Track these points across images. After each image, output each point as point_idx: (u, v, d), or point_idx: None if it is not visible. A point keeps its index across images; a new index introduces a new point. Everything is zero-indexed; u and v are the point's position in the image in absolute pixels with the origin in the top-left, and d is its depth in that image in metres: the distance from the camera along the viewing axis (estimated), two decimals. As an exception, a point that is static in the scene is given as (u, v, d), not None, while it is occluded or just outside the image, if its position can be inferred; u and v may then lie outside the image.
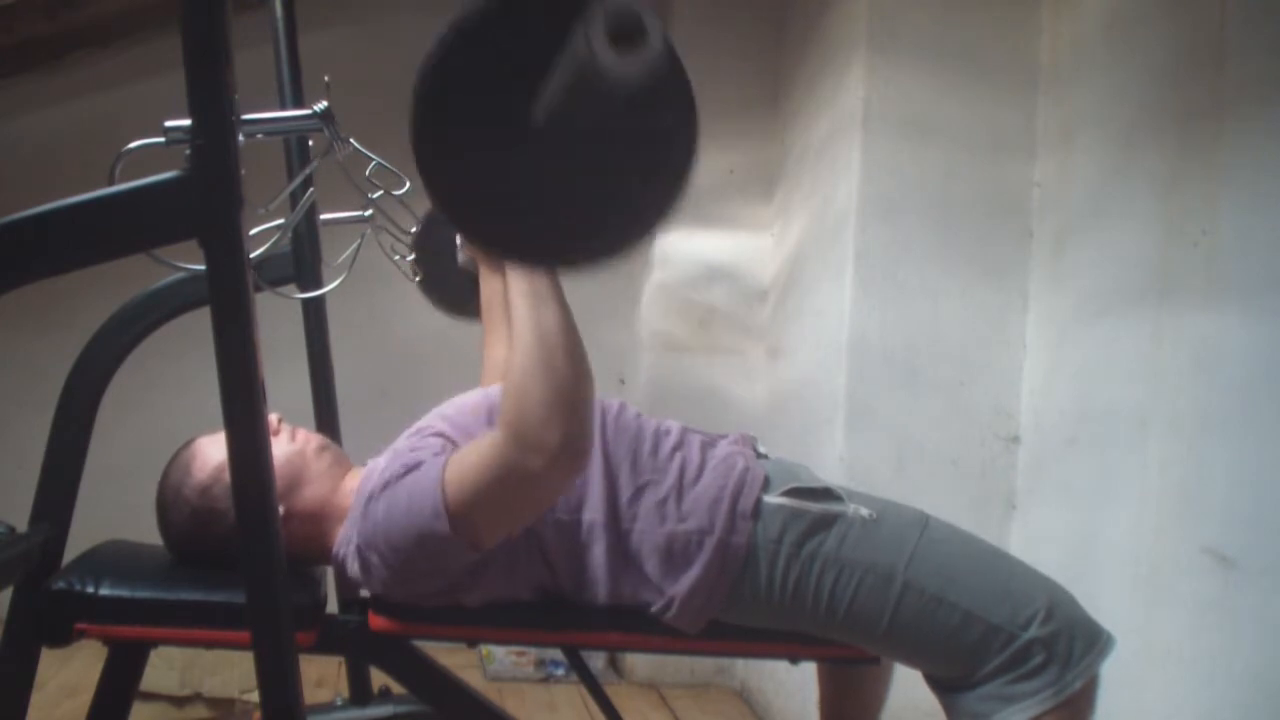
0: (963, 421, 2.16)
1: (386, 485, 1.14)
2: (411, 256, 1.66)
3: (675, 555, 1.18)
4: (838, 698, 1.46)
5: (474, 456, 1.08)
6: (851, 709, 1.46)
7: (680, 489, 1.21)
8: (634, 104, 0.70)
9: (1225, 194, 1.57)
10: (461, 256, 1.55)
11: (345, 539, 1.20)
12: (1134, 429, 1.74)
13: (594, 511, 1.18)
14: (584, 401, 1.04)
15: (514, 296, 1.06)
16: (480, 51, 0.74)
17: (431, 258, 1.65)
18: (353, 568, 1.19)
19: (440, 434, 1.22)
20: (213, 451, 1.25)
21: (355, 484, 1.25)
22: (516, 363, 1.04)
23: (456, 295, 1.67)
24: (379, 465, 1.23)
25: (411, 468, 1.13)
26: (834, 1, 2.43)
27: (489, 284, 1.50)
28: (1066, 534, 1.94)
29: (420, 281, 1.69)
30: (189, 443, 1.29)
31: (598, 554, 1.18)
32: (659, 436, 1.26)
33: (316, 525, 1.24)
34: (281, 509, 1.19)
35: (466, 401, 1.30)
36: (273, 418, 1.27)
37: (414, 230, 1.66)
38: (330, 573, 1.37)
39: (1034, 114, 2.17)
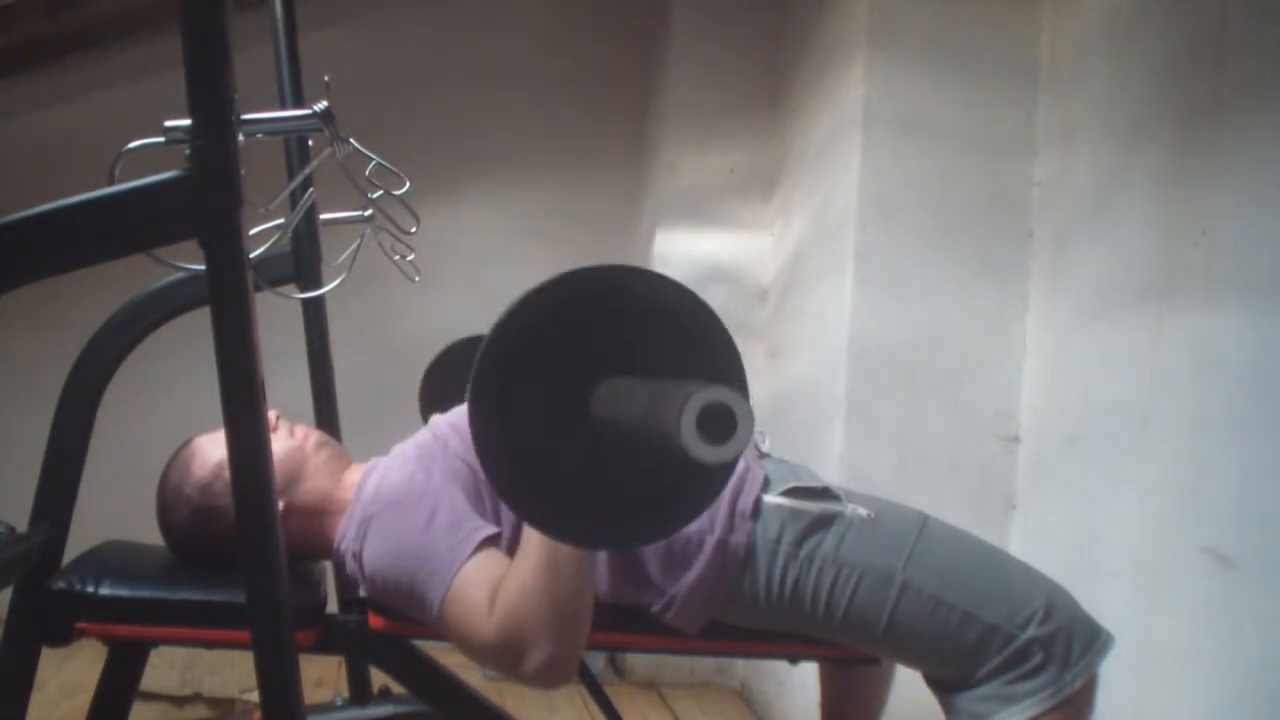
0: (963, 421, 2.16)
1: (400, 521, 1.14)
2: (411, 257, 1.66)
3: (675, 555, 1.18)
4: (838, 698, 1.46)
5: (471, 609, 1.07)
6: (852, 709, 1.46)
7: None
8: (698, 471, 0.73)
9: (1225, 194, 1.57)
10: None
11: (346, 537, 1.20)
12: (1134, 429, 1.73)
13: None
14: (582, 621, 1.06)
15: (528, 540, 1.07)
16: (566, 328, 0.78)
17: (438, 393, 1.68)
18: (352, 569, 1.19)
19: (457, 456, 1.22)
20: (212, 450, 1.25)
21: (356, 479, 1.25)
22: (525, 570, 1.04)
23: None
24: (383, 466, 1.23)
25: (425, 527, 1.13)
26: (834, 1, 2.43)
27: None
28: (1066, 534, 1.94)
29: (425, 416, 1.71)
30: (188, 441, 1.29)
31: (599, 553, 1.18)
32: None
33: (317, 521, 1.24)
34: (281, 504, 1.20)
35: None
36: (270, 414, 1.27)
37: (427, 371, 1.69)
38: (330, 572, 1.37)
39: (1034, 114, 2.17)
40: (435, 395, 1.77)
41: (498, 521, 1.17)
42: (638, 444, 0.75)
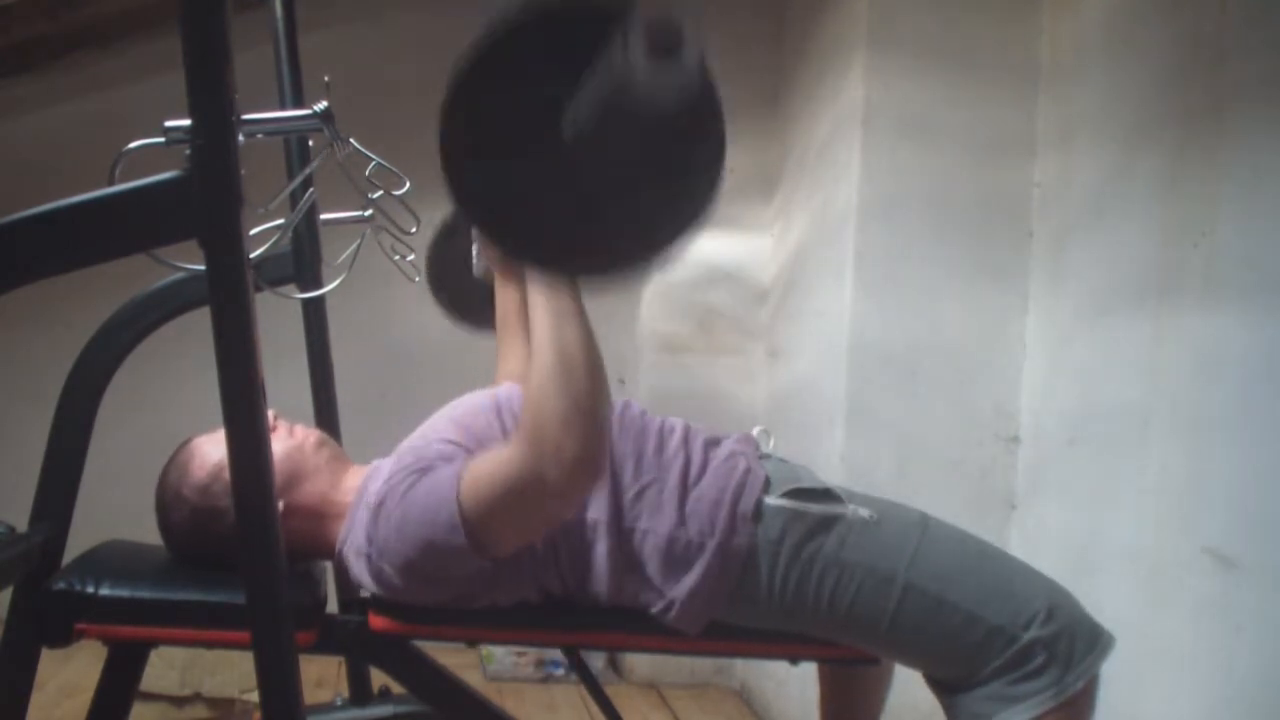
0: (963, 422, 2.16)
1: (400, 495, 1.14)
2: (411, 257, 1.66)
3: (676, 557, 1.18)
4: (838, 698, 1.46)
5: (489, 468, 1.08)
6: (852, 709, 1.46)
7: (683, 489, 1.21)
8: (665, 118, 0.70)
9: (1225, 194, 1.57)
10: (477, 267, 1.55)
11: (349, 540, 1.20)
12: (1134, 429, 1.73)
13: (598, 510, 1.18)
14: (601, 416, 1.05)
15: (535, 310, 1.08)
16: (515, 59, 0.74)
17: (446, 269, 1.66)
18: (359, 571, 1.18)
19: (449, 440, 1.21)
20: (211, 450, 1.25)
21: (356, 482, 1.25)
22: (536, 375, 1.05)
23: (471, 307, 1.67)
24: (384, 467, 1.23)
25: (423, 473, 1.13)
26: (834, 1, 2.43)
27: (504, 296, 1.50)
28: (1067, 534, 1.94)
29: (434, 292, 1.69)
30: (186, 442, 1.29)
31: (600, 554, 1.18)
32: (663, 435, 1.26)
33: (316, 521, 1.24)
34: (280, 505, 1.20)
35: (474, 402, 1.30)
36: (268, 414, 1.27)
37: (431, 241, 1.66)
38: (330, 572, 1.37)
39: (1034, 114, 2.17)
40: (441, 268, 1.74)
41: None
42: (605, 124, 0.72)
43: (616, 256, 0.81)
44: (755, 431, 1.37)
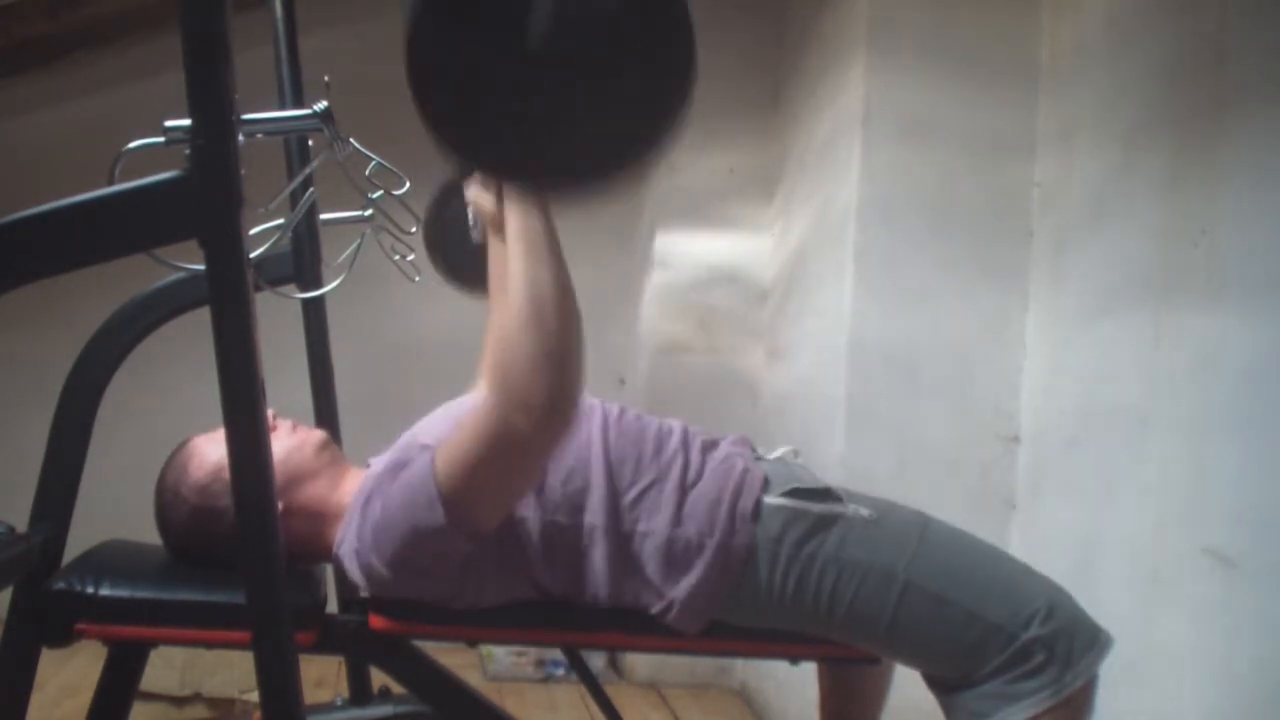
0: (963, 421, 2.16)
1: (379, 488, 1.14)
2: (411, 257, 1.66)
3: (675, 558, 1.18)
4: (838, 698, 1.46)
5: (459, 433, 1.08)
6: (851, 709, 1.46)
7: (681, 490, 1.21)
8: (629, 16, 0.70)
9: (1225, 194, 1.57)
10: (473, 227, 1.54)
11: (345, 540, 1.20)
12: (1134, 429, 1.73)
13: (595, 515, 1.18)
14: (572, 358, 1.02)
15: (511, 249, 1.04)
16: None
17: (443, 231, 1.64)
18: (352, 570, 1.19)
19: (440, 434, 1.21)
20: (210, 450, 1.25)
21: (355, 484, 1.25)
22: (507, 316, 1.02)
23: (468, 271, 1.65)
24: (376, 468, 1.23)
25: (401, 466, 1.13)
26: (834, 1, 2.43)
27: (496, 254, 1.49)
28: (1067, 534, 1.94)
29: (430, 254, 1.67)
30: (185, 442, 1.29)
31: (598, 558, 1.18)
32: (661, 438, 1.26)
33: (316, 522, 1.24)
34: (281, 505, 1.20)
35: (463, 405, 1.30)
36: (268, 413, 1.27)
37: (429, 204, 1.65)
38: (330, 572, 1.37)
39: (1034, 114, 2.17)
40: (438, 230, 1.73)
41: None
42: (575, 48, 0.72)
43: (588, 163, 0.79)
44: (783, 451, 1.36)
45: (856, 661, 1.30)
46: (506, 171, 0.83)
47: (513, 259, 1.04)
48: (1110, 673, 1.15)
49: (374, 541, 1.13)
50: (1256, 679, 1.45)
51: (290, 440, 1.27)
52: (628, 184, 0.79)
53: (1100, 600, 1.24)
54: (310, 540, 1.24)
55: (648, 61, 0.76)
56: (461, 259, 1.63)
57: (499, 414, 1.02)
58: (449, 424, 1.23)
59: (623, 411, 1.29)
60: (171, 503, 1.24)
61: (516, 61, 0.74)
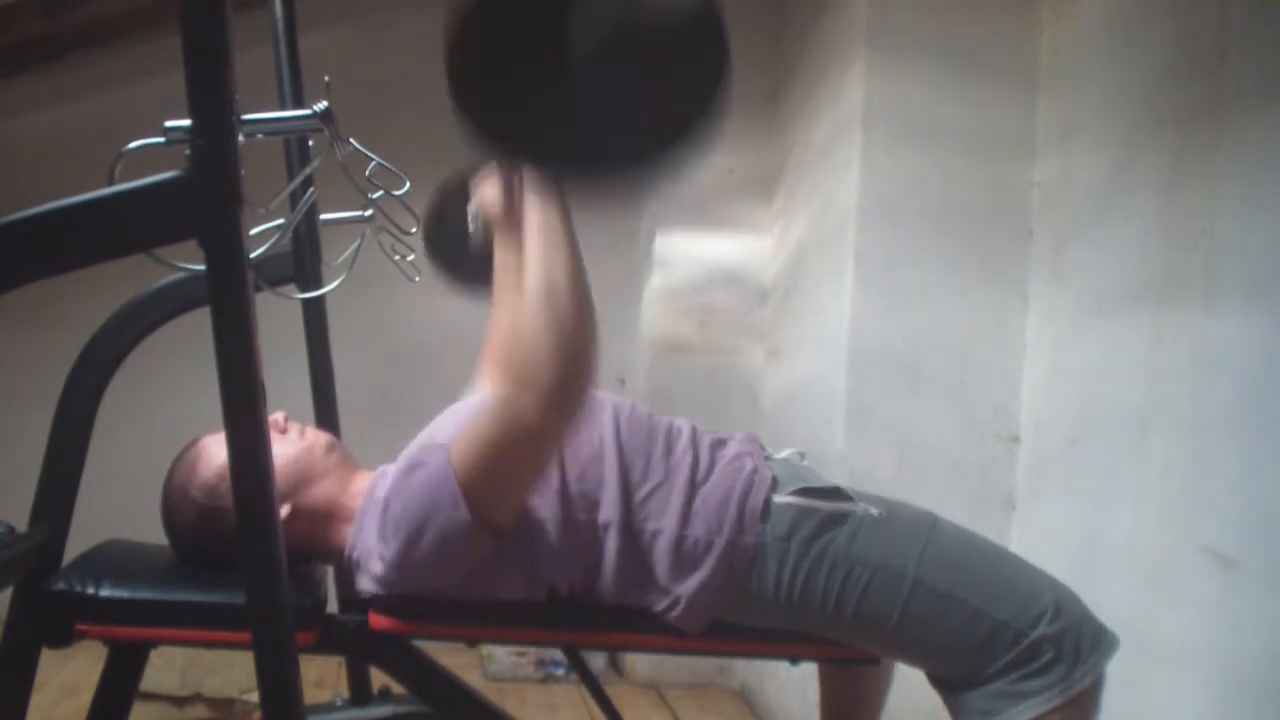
0: (963, 421, 2.16)
1: (401, 491, 1.14)
2: (411, 257, 1.66)
3: (684, 556, 1.18)
4: (838, 698, 1.46)
5: (472, 428, 1.08)
6: (852, 709, 1.46)
7: (691, 489, 1.21)
8: (668, 30, 0.71)
9: (1225, 194, 1.57)
10: (473, 228, 1.53)
11: (358, 543, 1.20)
12: (1134, 429, 1.73)
13: (609, 512, 1.18)
14: (585, 345, 1.03)
15: (528, 240, 1.05)
16: None
17: (444, 231, 1.64)
18: (373, 573, 1.17)
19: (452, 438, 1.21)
20: (218, 450, 1.25)
21: (364, 486, 1.25)
22: (521, 304, 1.03)
23: (467, 271, 1.65)
24: (391, 471, 1.23)
25: (416, 467, 1.13)
26: (834, 1, 2.43)
27: (502, 254, 1.48)
28: (1067, 534, 1.94)
29: (430, 255, 1.67)
30: (194, 441, 1.29)
31: (610, 555, 1.18)
32: (671, 436, 1.26)
33: (323, 524, 1.24)
34: (289, 506, 1.20)
35: (470, 406, 1.30)
36: (279, 416, 1.27)
37: (429, 203, 1.64)
38: (330, 573, 1.37)
39: (1034, 114, 2.17)
40: (439, 230, 1.74)
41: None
42: (609, 33, 0.73)
43: (613, 159, 0.80)
44: (788, 453, 1.36)
45: (857, 662, 1.30)
46: (538, 159, 0.83)
47: (529, 249, 1.04)
48: (1110, 672, 1.15)
49: (398, 543, 1.12)
50: (1257, 678, 1.45)
51: (299, 442, 1.27)
52: (657, 180, 0.80)
53: (1100, 600, 1.24)
54: (318, 541, 1.24)
55: (684, 64, 0.77)
56: (461, 261, 1.63)
57: (511, 400, 1.03)
58: (458, 426, 1.23)
59: (633, 408, 1.29)
60: (179, 502, 1.24)
61: (555, 55, 0.76)
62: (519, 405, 1.02)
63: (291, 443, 1.25)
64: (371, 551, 1.17)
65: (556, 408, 1.02)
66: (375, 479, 1.24)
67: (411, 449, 1.22)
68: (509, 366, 1.03)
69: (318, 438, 1.30)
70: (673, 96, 0.78)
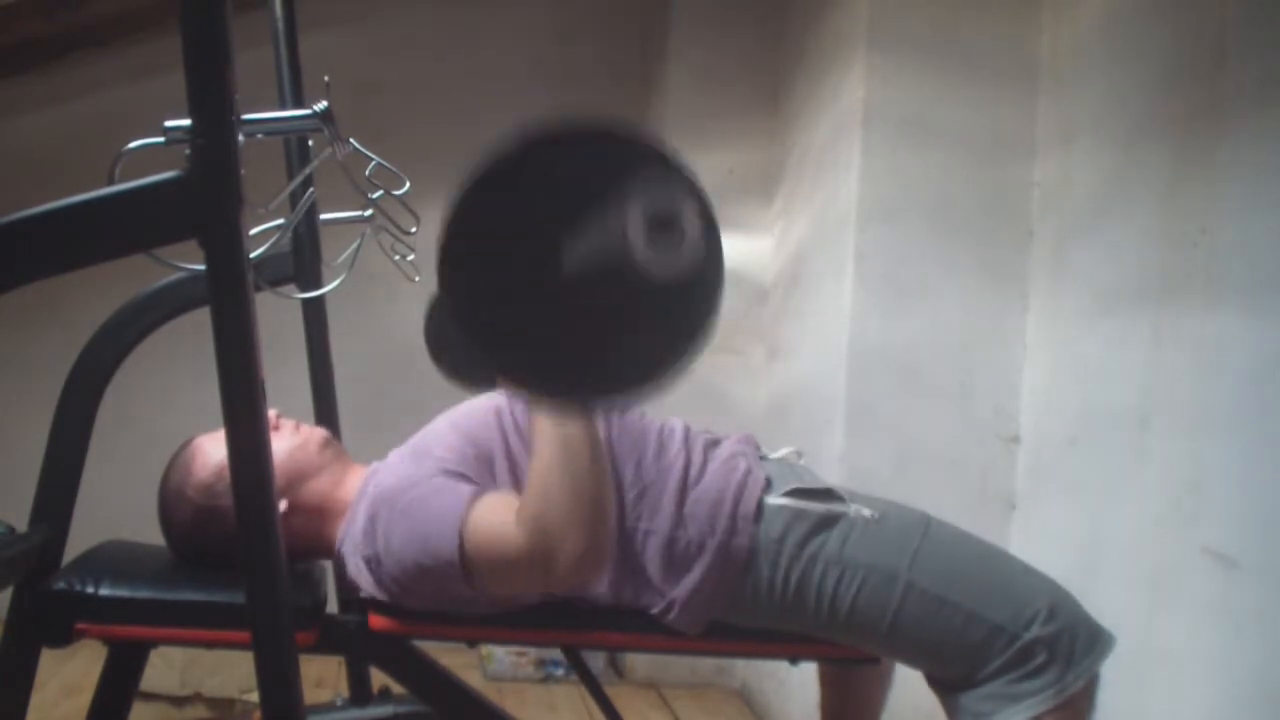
0: (963, 421, 2.16)
1: (399, 510, 1.15)
2: (411, 257, 1.66)
3: (676, 558, 1.18)
4: (838, 698, 1.46)
5: (496, 532, 1.09)
6: (852, 709, 1.46)
7: (683, 490, 1.21)
8: (661, 289, 0.73)
9: (1225, 194, 1.57)
10: None
11: (347, 537, 1.20)
12: (1134, 429, 1.73)
13: None
14: (606, 514, 1.07)
15: (545, 450, 1.08)
16: (515, 192, 0.77)
17: (446, 332, 1.67)
18: (355, 570, 1.19)
19: (450, 448, 1.21)
20: (214, 450, 1.25)
21: (358, 481, 1.25)
22: (541, 465, 1.07)
23: (475, 368, 1.68)
24: (383, 469, 1.23)
25: (419, 485, 1.14)
26: (834, 1, 2.43)
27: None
28: (1067, 534, 1.94)
29: (434, 358, 1.71)
30: (189, 442, 1.29)
31: None
32: (664, 437, 1.26)
33: (319, 520, 1.24)
34: (285, 503, 1.20)
35: (476, 406, 1.30)
36: (271, 413, 1.27)
37: (428, 306, 1.68)
38: (330, 572, 1.37)
39: (1034, 114, 2.17)
40: (439, 328, 1.77)
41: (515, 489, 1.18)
42: (602, 282, 0.74)
43: (614, 384, 0.83)
44: (785, 452, 1.36)
45: (856, 661, 1.30)
46: (534, 389, 0.85)
47: (547, 458, 1.07)
48: (1110, 673, 1.15)
49: (387, 562, 1.15)
50: (1256, 679, 1.45)
51: (293, 439, 1.27)
52: (652, 395, 0.83)
53: (1100, 600, 1.24)
54: (314, 537, 1.24)
55: (679, 309, 0.79)
56: (466, 360, 1.66)
57: (536, 556, 1.07)
58: (457, 435, 1.24)
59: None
60: (175, 503, 1.24)
61: (545, 290, 0.77)
62: (541, 563, 1.07)
63: (286, 439, 1.26)
64: (357, 548, 1.17)
65: (576, 571, 1.07)
66: (368, 474, 1.25)
67: (406, 462, 1.21)
68: (533, 525, 1.07)
69: (312, 433, 1.30)
70: (666, 330, 0.80)
